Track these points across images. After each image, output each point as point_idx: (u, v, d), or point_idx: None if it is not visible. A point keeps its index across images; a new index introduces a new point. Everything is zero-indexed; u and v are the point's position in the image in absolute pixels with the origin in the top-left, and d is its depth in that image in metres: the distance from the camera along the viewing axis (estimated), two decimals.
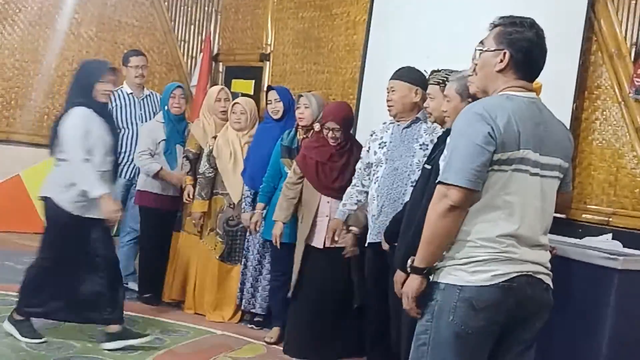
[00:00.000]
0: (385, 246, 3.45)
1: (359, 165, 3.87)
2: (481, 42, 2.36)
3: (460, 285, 2.21)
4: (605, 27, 4.54)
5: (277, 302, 4.38)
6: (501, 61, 2.29)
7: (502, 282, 2.19)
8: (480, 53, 2.35)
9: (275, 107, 4.64)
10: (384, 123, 3.83)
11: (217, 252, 4.75)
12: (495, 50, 2.30)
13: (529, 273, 2.24)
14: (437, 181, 2.23)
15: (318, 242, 4.07)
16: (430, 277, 2.30)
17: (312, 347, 4.06)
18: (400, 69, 3.76)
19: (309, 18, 6.59)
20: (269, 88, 4.90)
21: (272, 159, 4.43)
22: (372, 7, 5.94)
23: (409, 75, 3.69)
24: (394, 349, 3.39)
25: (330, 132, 4.06)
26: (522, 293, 2.22)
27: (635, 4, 4.42)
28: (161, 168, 4.86)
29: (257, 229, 4.45)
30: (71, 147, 3.71)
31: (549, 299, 2.33)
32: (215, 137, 4.79)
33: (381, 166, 3.68)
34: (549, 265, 2.33)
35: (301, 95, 4.47)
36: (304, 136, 4.38)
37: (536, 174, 2.25)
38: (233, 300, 4.68)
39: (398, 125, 3.72)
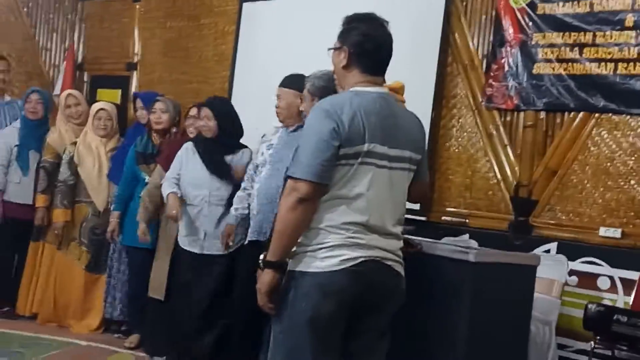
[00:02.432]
0: None
1: (250, 167, 3.90)
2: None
3: (311, 272, 2.27)
4: (459, 40, 4.83)
5: (137, 308, 4.31)
6: (343, 57, 2.41)
7: (350, 266, 2.26)
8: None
9: (141, 114, 4.64)
10: (276, 127, 3.89)
11: (83, 262, 4.62)
12: (337, 48, 2.42)
13: (377, 258, 2.32)
14: (286, 175, 2.30)
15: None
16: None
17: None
18: (287, 76, 3.82)
19: (177, 28, 6.55)
20: (135, 95, 4.89)
21: (126, 165, 4.39)
22: (240, 18, 5.99)
23: (295, 82, 3.74)
24: None
25: (191, 119, 4.18)
26: (371, 277, 2.30)
27: (485, 18, 4.72)
28: None
29: (115, 237, 4.40)
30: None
31: (400, 286, 2.42)
32: (75, 143, 4.67)
33: (265, 167, 3.73)
34: (399, 253, 2.42)
35: (157, 100, 4.45)
36: (161, 140, 4.38)
37: (384, 166, 2.33)
38: (99, 311, 4.56)
39: (286, 129, 3.78)
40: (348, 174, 2.29)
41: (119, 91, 6.83)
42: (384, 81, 2.47)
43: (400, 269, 2.41)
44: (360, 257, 2.28)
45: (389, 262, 2.36)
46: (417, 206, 4.22)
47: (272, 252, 2.30)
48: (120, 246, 4.49)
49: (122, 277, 4.51)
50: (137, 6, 6.87)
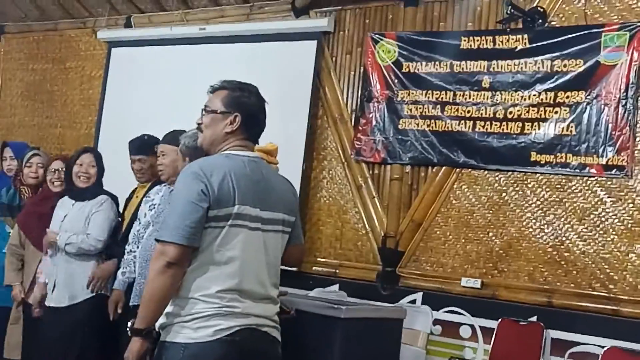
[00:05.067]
0: None
1: (136, 228, 3.69)
2: (206, 105, 2.44)
3: (184, 343, 2.21)
4: (330, 94, 4.95)
5: None
6: (231, 123, 2.38)
7: (225, 336, 2.22)
8: (207, 113, 2.42)
9: (10, 165, 4.45)
10: (159, 185, 3.74)
11: None
12: (224, 112, 2.41)
13: (252, 326, 2.29)
14: (155, 239, 2.26)
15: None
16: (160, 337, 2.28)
17: None
18: (168, 133, 3.68)
19: (41, 70, 6.32)
20: (4, 144, 4.67)
21: None
22: (108, 63, 5.87)
23: (177, 139, 3.60)
24: None
25: (56, 173, 3.97)
26: (246, 346, 2.26)
27: (354, 74, 4.88)
28: None
29: None
30: None
31: (276, 352, 2.40)
32: None
33: (148, 228, 3.58)
34: (276, 318, 2.41)
35: (37, 154, 4.24)
36: (30, 194, 4.18)
37: (257, 229, 2.32)
38: None
39: (168, 187, 3.63)
40: (219, 237, 2.26)
41: None
42: (255, 145, 2.49)
43: (276, 334, 2.40)
44: (235, 326, 2.25)
45: (265, 329, 2.34)
46: None
47: (140, 319, 2.23)
48: None
49: None
50: None
